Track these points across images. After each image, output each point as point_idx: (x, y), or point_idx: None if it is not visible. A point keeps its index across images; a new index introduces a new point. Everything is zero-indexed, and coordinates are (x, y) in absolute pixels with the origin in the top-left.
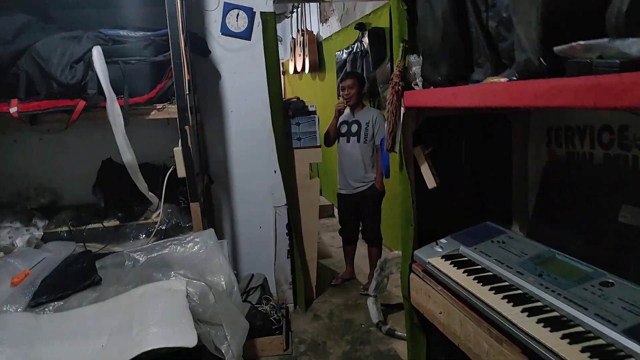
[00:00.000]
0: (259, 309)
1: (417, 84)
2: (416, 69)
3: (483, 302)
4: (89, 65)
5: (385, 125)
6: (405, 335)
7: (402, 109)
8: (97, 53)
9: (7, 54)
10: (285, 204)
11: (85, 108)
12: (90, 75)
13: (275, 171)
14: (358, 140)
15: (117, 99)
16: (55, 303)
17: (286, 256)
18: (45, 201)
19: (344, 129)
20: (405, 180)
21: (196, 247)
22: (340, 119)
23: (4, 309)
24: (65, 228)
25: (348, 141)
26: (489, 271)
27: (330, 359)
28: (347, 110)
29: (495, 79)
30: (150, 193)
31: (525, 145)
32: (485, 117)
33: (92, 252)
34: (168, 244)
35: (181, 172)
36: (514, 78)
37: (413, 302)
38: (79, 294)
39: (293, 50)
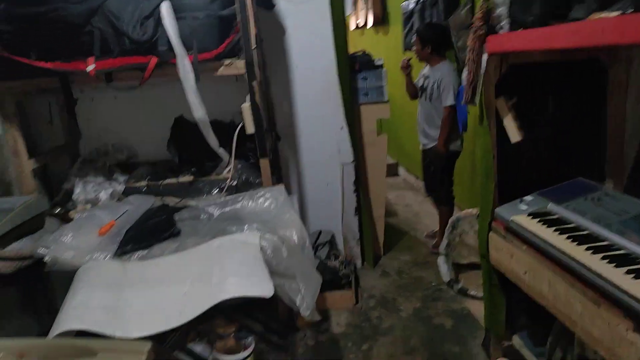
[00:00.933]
0: (328, 264)
1: (502, 27)
2: (502, 10)
3: (579, 262)
4: (159, 21)
5: (464, 75)
6: (478, 294)
7: (485, 56)
8: (165, 9)
9: (82, 13)
10: (352, 161)
11: (157, 65)
12: (161, 31)
13: (342, 127)
14: (426, 98)
15: (187, 54)
16: (140, 252)
17: (354, 213)
18: (122, 157)
19: (420, 82)
20: (485, 134)
21: (267, 203)
22: (421, 72)
23: (95, 256)
24: (143, 183)
25: (421, 95)
26: (583, 230)
27: (400, 315)
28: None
29: (603, 14)
30: (220, 149)
31: (624, 94)
32: (577, 64)
33: (170, 206)
34: (240, 198)
35: (250, 129)
36: (629, 11)
37: (492, 261)
38: (161, 244)
39: (355, 5)
